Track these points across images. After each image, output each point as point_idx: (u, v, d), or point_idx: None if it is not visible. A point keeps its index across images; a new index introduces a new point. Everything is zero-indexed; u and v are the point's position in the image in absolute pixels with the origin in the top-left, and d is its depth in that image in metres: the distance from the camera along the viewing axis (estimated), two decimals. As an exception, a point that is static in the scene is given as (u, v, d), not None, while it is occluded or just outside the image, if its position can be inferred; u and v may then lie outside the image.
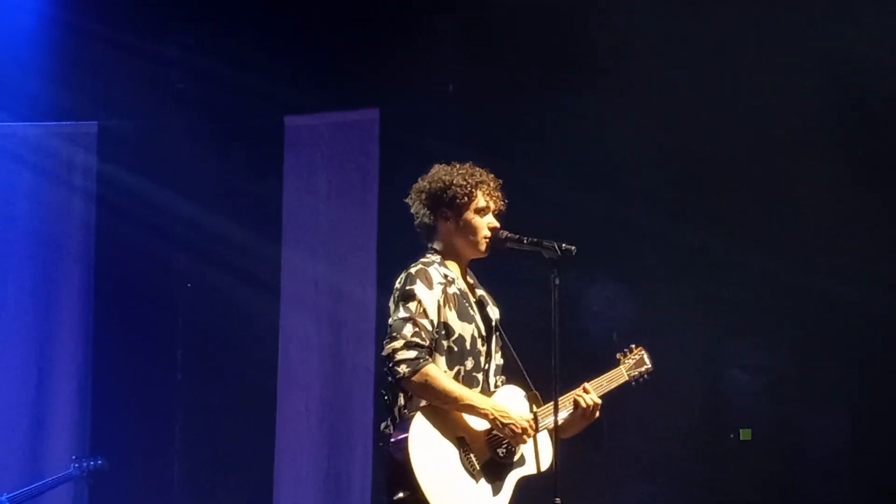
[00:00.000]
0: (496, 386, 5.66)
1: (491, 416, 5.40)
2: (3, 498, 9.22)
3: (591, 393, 5.66)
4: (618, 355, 5.99)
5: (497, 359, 5.71)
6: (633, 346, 6.03)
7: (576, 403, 5.62)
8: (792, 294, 9.24)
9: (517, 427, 5.41)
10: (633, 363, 5.96)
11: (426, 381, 5.32)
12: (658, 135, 9.43)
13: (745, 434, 9.61)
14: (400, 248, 8.02)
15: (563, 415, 5.57)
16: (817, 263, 9.14)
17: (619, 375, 5.90)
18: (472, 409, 5.39)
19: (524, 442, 5.45)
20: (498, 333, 5.73)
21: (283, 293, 10.44)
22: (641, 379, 5.99)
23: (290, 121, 10.49)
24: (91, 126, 10.61)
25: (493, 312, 5.75)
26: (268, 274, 10.42)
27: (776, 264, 9.23)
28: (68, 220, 10.64)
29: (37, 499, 9.81)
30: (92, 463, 9.55)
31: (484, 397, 5.45)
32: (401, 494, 5.32)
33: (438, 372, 5.37)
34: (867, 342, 8.99)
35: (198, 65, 10.46)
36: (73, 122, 10.63)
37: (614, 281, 9.35)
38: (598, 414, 5.69)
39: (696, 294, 9.47)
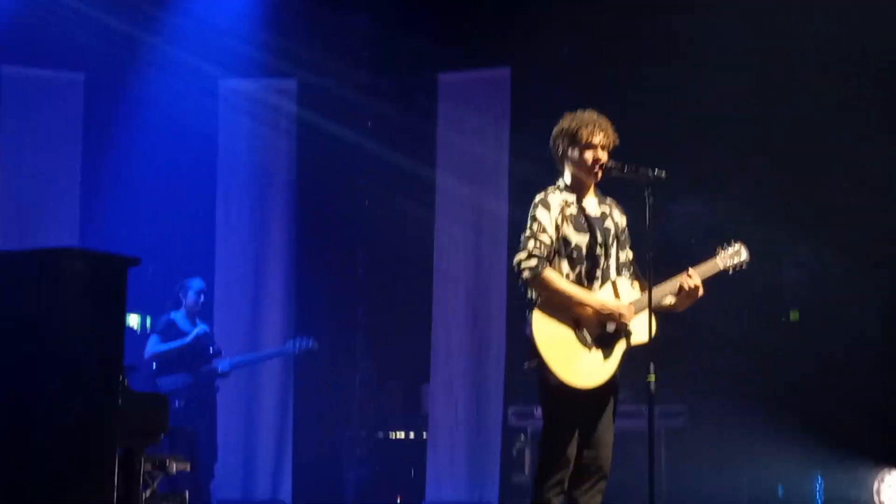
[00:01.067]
0: (620, 276, 5.68)
1: (595, 310, 5.51)
2: (227, 361, 9.41)
3: (693, 277, 5.68)
4: (717, 248, 5.86)
5: (623, 256, 5.75)
6: (734, 240, 5.89)
7: (680, 287, 5.67)
8: (835, 211, 9.22)
9: (614, 314, 5.51)
10: (728, 254, 5.83)
11: (544, 282, 5.47)
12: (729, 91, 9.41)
13: (793, 315, 9.67)
14: (526, 174, 8.19)
15: (670, 291, 5.65)
16: (857, 185, 9.07)
17: (714, 266, 5.80)
18: (580, 305, 5.49)
19: (624, 325, 5.52)
20: (624, 237, 5.78)
21: (438, 207, 10.55)
22: (739, 268, 5.84)
23: (443, 77, 10.59)
24: (292, 82, 10.75)
25: (619, 222, 5.78)
26: (425, 193, 10.53)
27: (828, 188, 9.24)
28: (277, 154, 10.78)
29: (253, 366, 10.09)
30: (307, 342, 9.64)
31: (589, 293, 5.52)
32: (530, 363, 5.50)
33: (554, 275, 5.50)
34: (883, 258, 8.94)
35: (375, 34, 10.60)
36: (279, 79, 10.79)
37: (693, 199, 9.30)
38: (700, 293, 5.70)
39: (761, 209, 9.41)
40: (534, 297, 5.56)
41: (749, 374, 9.57)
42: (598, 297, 5.56)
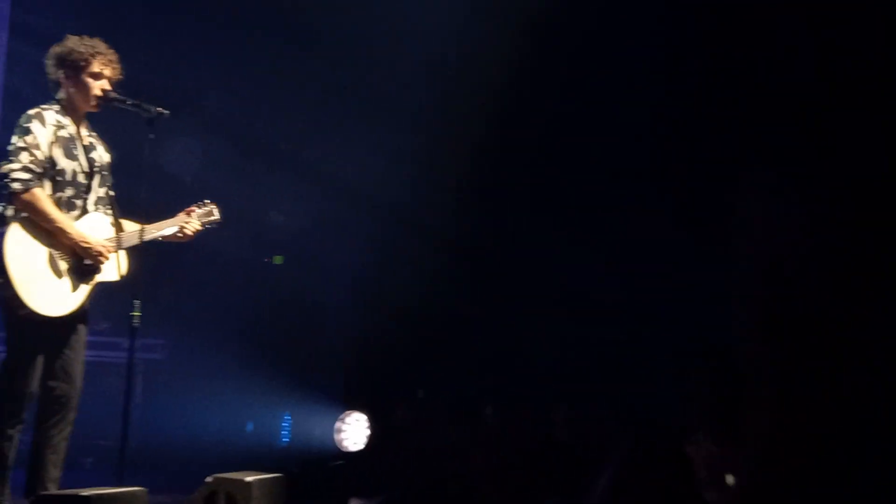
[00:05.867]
0: (96, 210, 5.57)
1: (74, 242, 5.35)
2: None
3: (192, 222, 5.80)
4: (193, 206, 5.92)
5: (100, 192, 5.61)
6: (207, 200, 5.98)
7: (181, 228, 5.77)
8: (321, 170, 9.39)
9: (94, 251, 5.39)
10: (203, 213, 5.91)
11: (32, 199, 5.23)
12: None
13: (277, 259, 9.81)
14: (23, 93, 7.69)
15: (167, 232, 5.72)
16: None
17: (193, 220, 5.87)
18: (62, 233, 5.31)
19: (101, 261, 5.42)
20: (106, 173, 5.66)
21: None
22: (210, 226, 5.95)
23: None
24: None
25: (102, 157, 5.67)
26: None
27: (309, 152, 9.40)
28: None
29: None
30: None
31: (73, 223, 5.37)
32: None
33: (43, 196, 5.28)
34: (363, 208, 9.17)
35: None
36: None
37: (187, 137, 9.18)
38: (189, 237, 5.82)
39: (252, 154, 9.52)
40: (5, 213, 5.29)
41: (230, 314, 9.61)
42: (81, 229, 5.40)
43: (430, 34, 8.77)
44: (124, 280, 5.53)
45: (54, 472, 5.37)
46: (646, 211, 7.92)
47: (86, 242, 5.36)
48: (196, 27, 9.38)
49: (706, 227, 7.29)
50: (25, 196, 5.22)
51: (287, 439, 9.10)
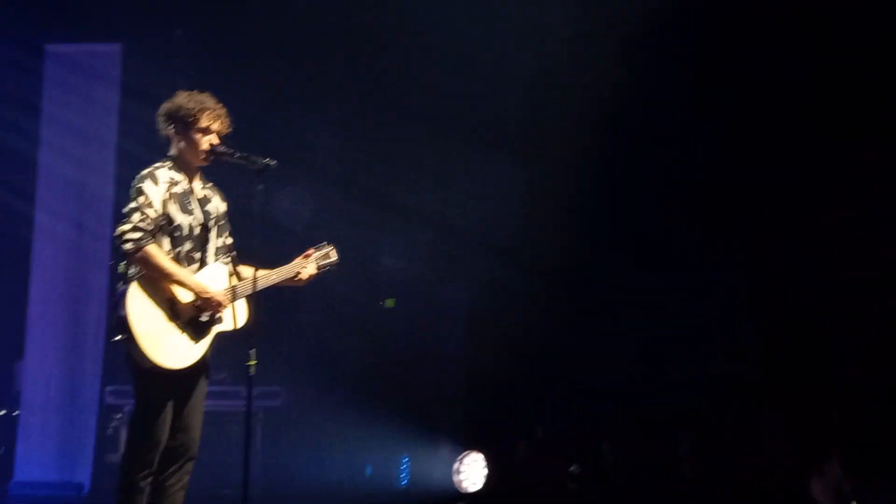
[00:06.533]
0: (216, 260, 5.63)
1: (195, 293, 5.42)
2: None
3: (308, 267, 5.75)
4: (311, 249, 5.86)
5: (219, 242, 5.68)
6: (325, 242, 5.93)
7: (297, 274, 5.71)
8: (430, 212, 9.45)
9: (213, 301, 5.44)
10: (321, 255, 5.86)
11: (146, 256, 5.31)
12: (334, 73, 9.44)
13: (389, 302, 9.84)
14: (134, 154, 7.87)
15: (282, 278, 5.68)
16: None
17: (310, 264, 5.83)
18: (181, 283, 5.39)
19: (220, 311, 5.48)
20: (224, 222, 5.72)
21: (39, 182, 9.98)
22: (328, 269, 5.88)
23: (50, 48, 10.00)
24: None
25: (219, 207, 5.72)
26: (27, 168, 9.93)
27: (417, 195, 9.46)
28: None
29: None
30: None
31: (191, 275, 5.44)
32: (119, 337, 5.30)
33: (157, 251, 5.36)
34: (473, 247, 9.18)
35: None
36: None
37: (299, 188, 9.30)
38: (305, 280, 5.77)
39: (361, 201, 9.58)
40: (128, 272, 5.39)
41: (345, 357, 9.66)
42: (199, 280, 5.46)
43: (531, 68, 8.79)
44: (240, 329, 5.55)
45: (170, 522, 5.44)
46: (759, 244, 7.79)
47: (206, 293, 5.42)
48: (301, 75, 9.52)
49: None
50: (139, 255, 5.30)
51: (406, 482, 9.09)
